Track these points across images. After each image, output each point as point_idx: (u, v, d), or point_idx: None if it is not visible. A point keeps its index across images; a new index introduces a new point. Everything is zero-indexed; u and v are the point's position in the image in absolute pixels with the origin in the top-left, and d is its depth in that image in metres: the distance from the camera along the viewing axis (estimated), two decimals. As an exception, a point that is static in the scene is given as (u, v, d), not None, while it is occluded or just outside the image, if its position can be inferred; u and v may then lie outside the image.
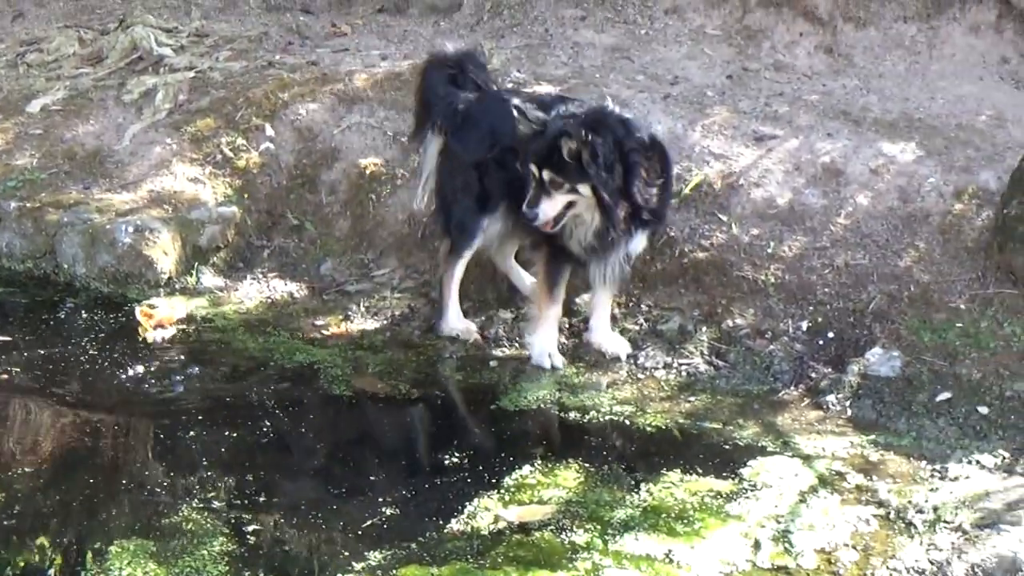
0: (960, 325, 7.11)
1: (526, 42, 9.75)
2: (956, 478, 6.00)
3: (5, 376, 6.86)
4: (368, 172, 8.43)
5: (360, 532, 5.45)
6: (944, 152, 8.29)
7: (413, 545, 5.33)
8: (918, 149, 8.29)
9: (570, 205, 6.75)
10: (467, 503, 5.67)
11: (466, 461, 6.10)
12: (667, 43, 9.81)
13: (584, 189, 6.70)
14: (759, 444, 6.38)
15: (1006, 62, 9.77)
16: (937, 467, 6.13)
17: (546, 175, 6.69)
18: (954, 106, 9.13)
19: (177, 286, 7.96)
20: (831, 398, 6.83)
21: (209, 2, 10.83)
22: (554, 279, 7.10)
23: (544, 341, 7.14)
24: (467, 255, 7.38)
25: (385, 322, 7.62)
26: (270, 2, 10.78)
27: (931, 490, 5.88)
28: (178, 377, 6.94)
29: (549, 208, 6.70)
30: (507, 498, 5.73)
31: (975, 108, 9.11)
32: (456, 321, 7.42)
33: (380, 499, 5.72)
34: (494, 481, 5.88)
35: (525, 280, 7.61)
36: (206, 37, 10.04)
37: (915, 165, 8.12)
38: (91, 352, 7.17)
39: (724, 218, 7.83)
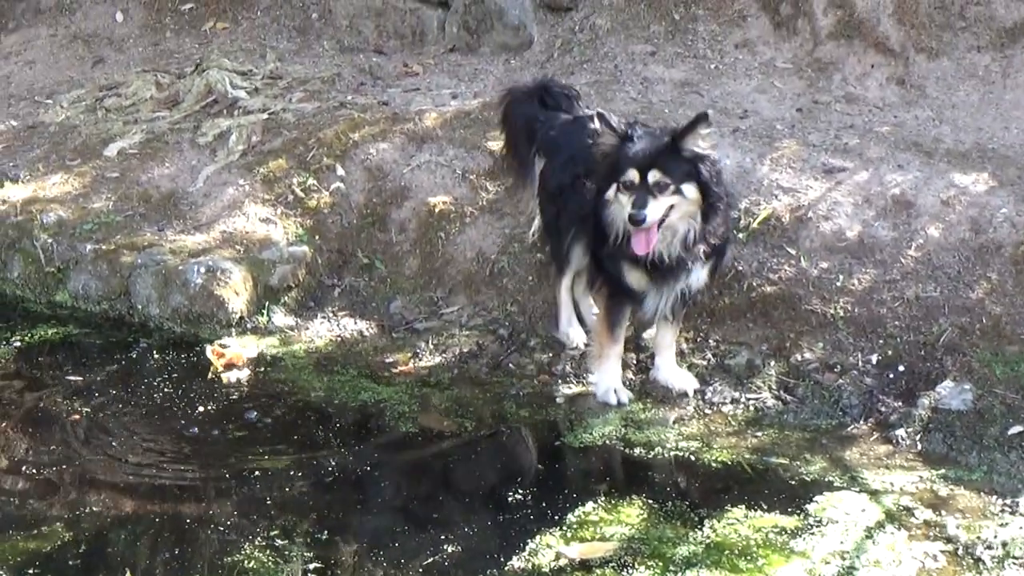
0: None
1: (596, 78, 9.77)
2: (1027, 512, 5.93)
3: (77, 417, 6.96)
4: (437, 210, 8.47)
5: (421, 570, 5.47)
6: (1017, 182, 8.18)
7: (473, 582, 5.35)
8: (991, 180, 8.19)
9: (669, 210, 6.64)
10: (529, 540, 5.68)
11: (529, 498, 6.11)
12: (737, 77, 9.78)
13: (690, 190, 6.63)
14: (826, 479, 6.32)
15: (1084, 90, 9.65)
16: (1008, 502, 6.05)
17: (652, 176, 6.54)
18: (1029, 136, 9.03)
19: (248, 326, 8.03)
20: (900, 432, 6.76)
21: (284, 45, 10.94)
22: (615, 317, 7.07)
23: (608, 378, 7.11)
24: (569, 273, 7.55)
25: (453, 359, 7.64)
26: (344, 44, 10.86)
27: (1001, 525, 5.81)
28: (246, 417, 6.98)
29: (656, 210, 6.54)
30: (569, 535, 5.73)
31: (1051, 138, 9.00)
32: (565, 326, 7.65)
33: (442, 536, 5.74)
34: (557, 518, 5.88)
35: (590, 315, 7.63)
36: (280, 79, 10.15)
37: (987, 196, 8.02)
38: (163, 391, 7.26)
39: (793, 251, 7.78)
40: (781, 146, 8.66)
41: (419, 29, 10.86)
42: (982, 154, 8.64)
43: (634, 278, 6.93)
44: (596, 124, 6.74)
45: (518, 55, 10.41)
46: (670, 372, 7.26)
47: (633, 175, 6.56)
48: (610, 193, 6.69)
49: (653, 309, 7.04)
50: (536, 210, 7.73)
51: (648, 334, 7.56)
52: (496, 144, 8.65)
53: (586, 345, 7.51)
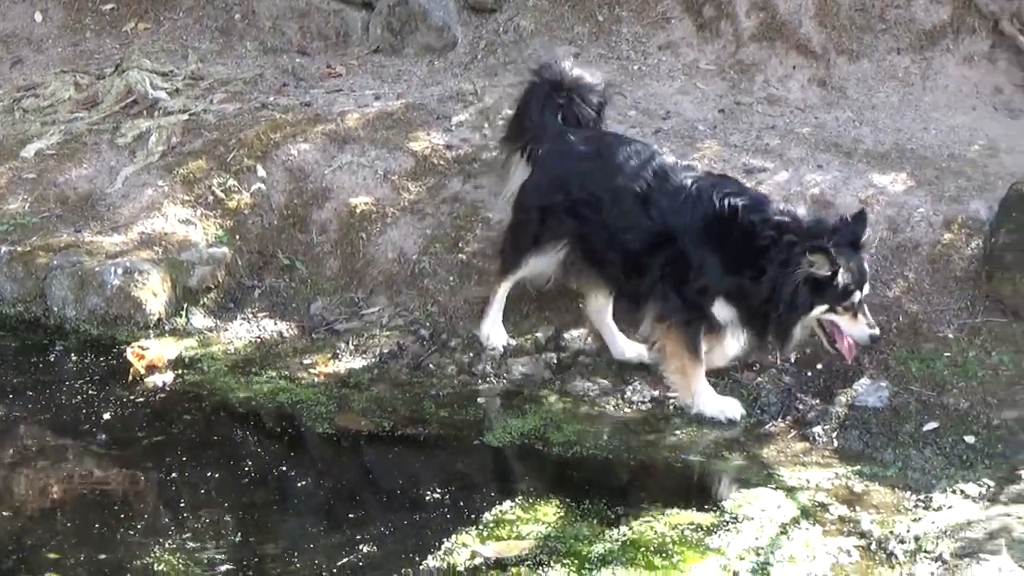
0: (948, 355, 7.11)
1: (519, 79, 9.68)
2: (940, 508, 5.98)
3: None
4: (358, 211, 8.43)
5: (336, 570, 5.43)
6: (935, 182, 8.27)
7: (388, 582, 5.32)
8: (909, 180, 8.27)
9: None
10: (445, 539, 5.65)
11: (447, 497, 6.09)
12: (660, 78, 9.80)
13: None
14: (743, 476, 6.36)
15: (1000, 92, 9.74)
16: (921, 497, 6.10)
17: (866, 290, 6.77)
18: (947, 136, 9.11)
19: (167, 327, 7.93)
20: (818, 429, 6.80)
21: (206, 46, 10.83)
22: (695, 341, 6.95)
23: (710, 398, 6.98)
24: (511, 279, 7.53)
25: (373, 360, 7.59)
26: (267, 45, 10.78)
27: (914, 520, 5.85)
28: (161, 419, 6.90)
29: None
30: (485, 534, 5.71)
31: (968, 138, 9.08)
32: (488, 328, 7.57)
33: (358, 536, 5.70)
34: (474, 517, 5.86)
35: (619, 343, 7.47)
36: (201, 80, 10.06)
37: (905, 196, 8.10)
38: (81, 394, 7.17)
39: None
40: (703, 147, 8.71)
41: (343, 30, 10.79)
42: (901, 154, 8.72)
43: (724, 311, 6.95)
44: (817, 259, 6.52)
45: (442, 56, 10.37)
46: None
47: (858, 297, 6.65)
48: (816, 311, 6.67)
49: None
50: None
51: (568, 334, 7.57)
52: (418, 145, 8.66)
53: (505, 347, 7.57)
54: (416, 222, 8.32)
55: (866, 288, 6.67)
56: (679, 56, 10.04)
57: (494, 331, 7.57)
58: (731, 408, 6.94)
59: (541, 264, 7.36)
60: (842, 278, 6.52)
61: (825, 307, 6.61)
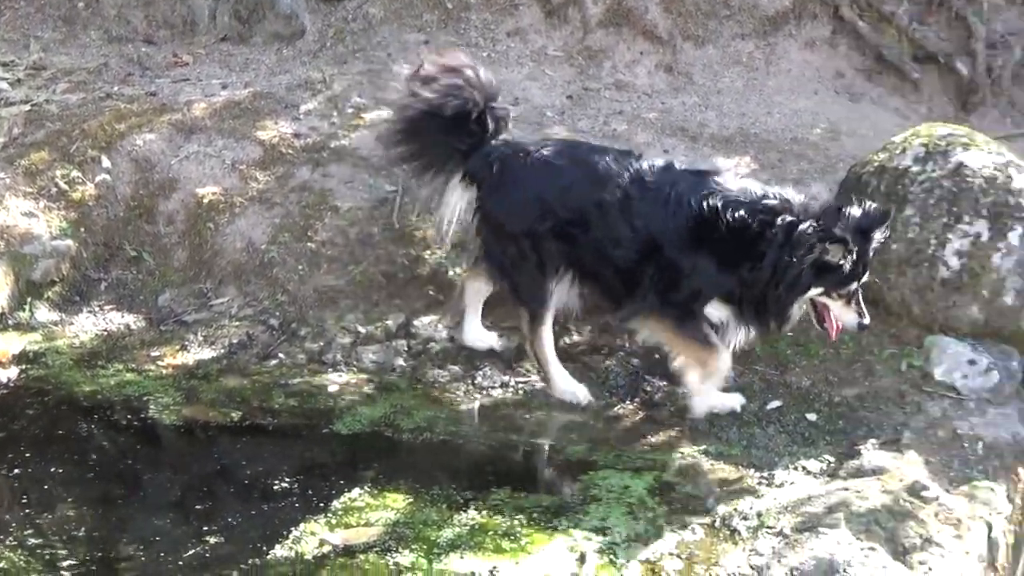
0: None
1: (368, 67, 9.74)
2: (782, 484, 6.08)
3: None
4: (206, 201, 8.35)
5: (182, 562, 5.37)
6: (778, 165, 8.43)
7: (235, 573, 5.27)
8: (753, 163, 8.42)
9: None
10: (293, 528, 5.61)
11: (296, 486, 6.04)
12: (509, 65, 9.86)
13: None
14: (591, 458, 6.39)
15: (841, 76, 9.96)
16: (765, 474, 6.19)
17: (864, 281, 6.63)
18: (790, 120, 9.30)
19: (10, 322, 7.77)
20: (665, 410, 6.88)
21: (49, 35, 10.66)
22: (706, 335, 6.74)
23: (714, 397, 6.83)
24: (548, 319, 7.00)
25: (222, 351, 7.52)
26: (112, 34, 10.64)
27: (757, 497, 5.94)
28: (4, 415, 6.76)
29: None
30: (334, 521, 5.68)
31: (810, 121, 9.28)
32: (565, 384, 7.02)
33: (205, 528, 5.64)
34: (322, 505, 5.82)
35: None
36: (44, 70, 9.91)
37: (749, 178, 8.20)
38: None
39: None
40: (551, 133, 8.78)
41: (190, 19, 10.70)
42: (745, 138, 8.87)
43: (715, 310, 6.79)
44: (835, 248, 6.37)
45: (290, 44, 10.33)
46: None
47: (854, 287, 6.55)
48: (813, 292, 6.53)
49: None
50: (454, 231, 7.39)
51: (419, 321, 7.58)
52: (266, 135, 8.61)
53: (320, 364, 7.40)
54: (264, 211, 8.27)
55: (865, 278, 6.58)
56: (528, 43, 10.11)
57: (571, 385, 7.02)
58: (734, 400, 6.85)
59: (561, 293, 7.00)
60: (847, 267, 6.43)
61: (821, 290, 6.52)
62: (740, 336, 6.82)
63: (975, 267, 7.00)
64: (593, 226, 6.74)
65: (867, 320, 6.60)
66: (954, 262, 7.03)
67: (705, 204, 6.52)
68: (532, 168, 6.89)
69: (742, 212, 6.47)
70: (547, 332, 7.00)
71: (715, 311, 6.74)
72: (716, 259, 6.58)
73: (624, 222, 6.68)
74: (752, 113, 9.35)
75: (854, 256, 6.38)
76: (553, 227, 6.81)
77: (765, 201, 6.51)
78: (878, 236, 6.51)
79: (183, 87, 9.55)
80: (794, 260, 6.37)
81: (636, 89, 9.65)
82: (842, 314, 6.59)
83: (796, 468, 6.23)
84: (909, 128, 7.77)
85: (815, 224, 6.35)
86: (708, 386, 6.77)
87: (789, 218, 6.41)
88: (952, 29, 10.27)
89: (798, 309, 6.67)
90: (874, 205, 6.60)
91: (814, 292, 6.53)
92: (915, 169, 7.21)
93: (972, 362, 6.84)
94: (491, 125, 7.02)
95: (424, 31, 10.20)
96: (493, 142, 7.01)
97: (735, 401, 6.85)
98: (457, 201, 7.13)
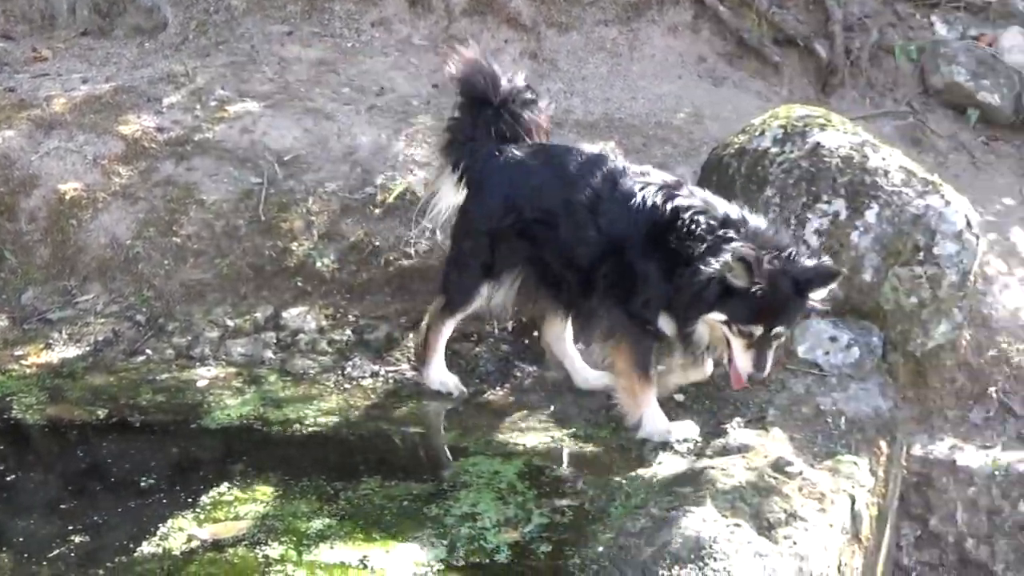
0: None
1: (232, 59, 9.65)
2: (650, 464, 6.14)
3: None
4: (68, 198, 8.22)
5: (46, 562, 5.29)
6: (643, 149, 8.51)
7: (101, 572, 5.19)
8: (617, 148, 8.43)
9: None
10: (160, 524, 5.53)
11: (163, 483, 5.98)
12: (374, 54, 9.83)
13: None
14: (461, 445, 6.42)
15: (703, 60, 10.07)
16: (634, 455, 6.26)
17: (776, 331, 6.12)
18: (654, 105, 9.38)
19: None
20: (534, 396, 6.92)
21: (-99, 32, 10.45)
22: (647, 358, 6.46)
23: (658, 421, 6.45)
24: (459, 316, 6.96)
25: (88, 348, 7.43)
26: (-33, 31, 10.44)
27: (626, 478, 5.99)
28: None
29: (769, 363, 6.20)
30: (202, 516, 5.63)
31: (674, 106, 9.37)
32: (439, 375, 7.00)
33: (70, 527, 5.54)
34: (190, 501, 5.77)
35: (581, 372, 7.05)
36: (-101, 68, 9.69)
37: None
38: None
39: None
40: (416, 122, 8.77)
41: (49, 13, 10.53)
42: (610, 123, 8.94)
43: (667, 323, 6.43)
44: (737, 267, 5.94)
45: (152, 37, 10.20)
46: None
47: (757, 331, 6.06)
48: (713, 317, 6.12)
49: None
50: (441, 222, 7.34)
51: (288, 313, 7.54)
52: (128, 129, 8.51)
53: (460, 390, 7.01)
54: (128, 207, 8.16)
55: (778, 330, 6.08)
56: (392, 32, 10.09)
57: (445, 376, 7.00)
58: (684, 430, 6.44)
59: (499, 296, 6.87)
60: (753, 301, 5.94)
61: (723, 318, 6.09)
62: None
63: (834, 245, 7.12)
64: (560, 227, 6.58)
65: (761, 373, 6.15)
66: (814, 241, 7.14)
67: (669, 206, 6.30)
68: (505, 167, 6.78)
69: (702, 218, 6.21)
70: (450, 326, 6.96)
71: (667, 324, 6.41)
72: (664, 264, 6.31)
73: (591, 223, 6.50)
74: (617, 98, 9.42)
75: (766, 295, 5.91)
76: (515, 225, 6.69)
77: (728, 213, 6.26)
78: (813, 295, 6.11)
79: (43, 82, 9.38)
80: (704, 270, 6.03)
81: (501, 77, 9.65)
82: (737, 356, 6.12)
83: (664, 448, 6.29)
84: (770, 110, 7.88)
85: (742, 243, 6.04)
86: (652, 409, 6.47)
87: (728, 232, 6.16)
88: (810, 12, 10.42)
89: (705, 330, 6.24)
90: (826, 261, 6.24)
91: (714, 316, 6.10)
92: (774, 150, 7.32)
93: (833, 339, 6.96)
94: (500, 127, 6.93)
95: (288, 22, 10.13)
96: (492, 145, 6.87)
97: (689, 432, 6.48)
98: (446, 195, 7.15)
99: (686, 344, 6.35)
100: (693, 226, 6.19)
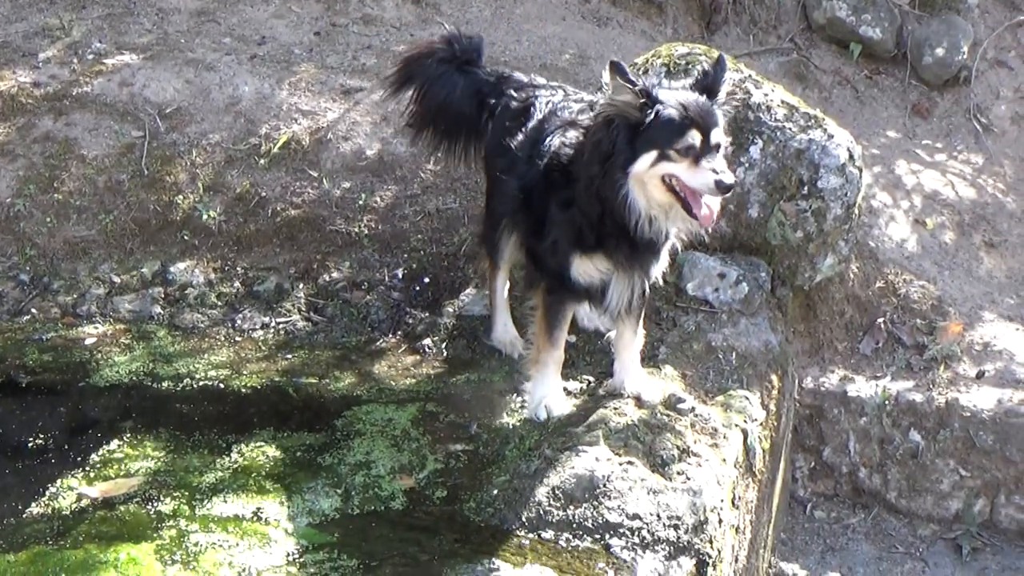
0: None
1: (109, 11, 9.46)
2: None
3: None
4: (-52, 156, 8.05)
5: (-68, 525, 5.22)
6: (522, 92, 8.44)
7: (-11, 534, 5.14)
8: (503, 91, 8.42)
9: None
10: (49, 485, 5.47)
11: (51, 442, 5.91)
12: (255, 3, 9.66)
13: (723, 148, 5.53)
14: (355, 394, 6.38)
15: (587, 1, 10.05)
16: (524, 399, 6.24)
17: (715, 137, 5.40)
18: (539, 47, 9.33)
19: None
20: (427, 342, 6.90)
21: None
22: (556, 318, 5.91)
23: (543, 387, 5.97)
24: (504, 268, 6.65)
25: (-31, 310, 7.30)
26: None
27: (520, 421, 6.00)
28: None
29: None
30: (92, 475, 5.57)
31: (559, 48, 9.33)
32: (502, 333, 6.72)
33: (-45, 491, 5.49)
34: (79, 459, 5.70)
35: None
36: None
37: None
38: None
39: (315, 174, 7.81)
40: (299, 70, 8.66)
41: (-82, -32, 10.22)
42: (494, 67, 8.84)
43: (591, 269, 5.80)
44: (606, 79, 5.48)
45: (16, -9, 9.95)
46: (636, 378, 6.10)
47: (695, 137, 5.34)
48: (643, 163, 5.37)
49: (616, 302, 5.89)
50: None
51: (175, 268, 7.44)
52: (3, 85, 8.32)
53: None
54: (7, 164, 7.99)
55: (715, 134, 5.39)
56: (273, -20, 9.95)
57: (509, 336, 6.73)
58: (560, 407, 5.97)
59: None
60: (664, 111, 5.32)
61: (654, 153, 5.35)
62: (630, 296, 5.91)
63: (720, 182, 7.13)
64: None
65: (729, 178, 5.36)
66: (700, 179, 7.15)
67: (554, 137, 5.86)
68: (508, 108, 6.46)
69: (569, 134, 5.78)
70: (502, 279, 6.68)
71: (586, 268, 5.80)
72: (558, 194, 5.79)
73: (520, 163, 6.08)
74: (501, 41, 9.36)
75: (670, 102, 5.35)
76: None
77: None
78: (719, 91, 5.56)
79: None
80: (595, 138, 5.48)
81: (384, 23, 9.56)
82: (692, 179, 5.34)
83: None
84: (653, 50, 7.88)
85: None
86: (546, 372, 5.99)
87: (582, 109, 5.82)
88: (693, -49, 10.44)
89: (642, 198, 5.44)
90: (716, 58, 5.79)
91: (648, 160, 5.35)
92: (658, 89, 7.30)
93: (722, 276, 6.99)
94: None
95: (165, -27, 9.94)
96: None
97: (657, 393, 6.06)
98: None
99: (629, 225, 5.52)
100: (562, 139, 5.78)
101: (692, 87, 5.55)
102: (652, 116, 5.32)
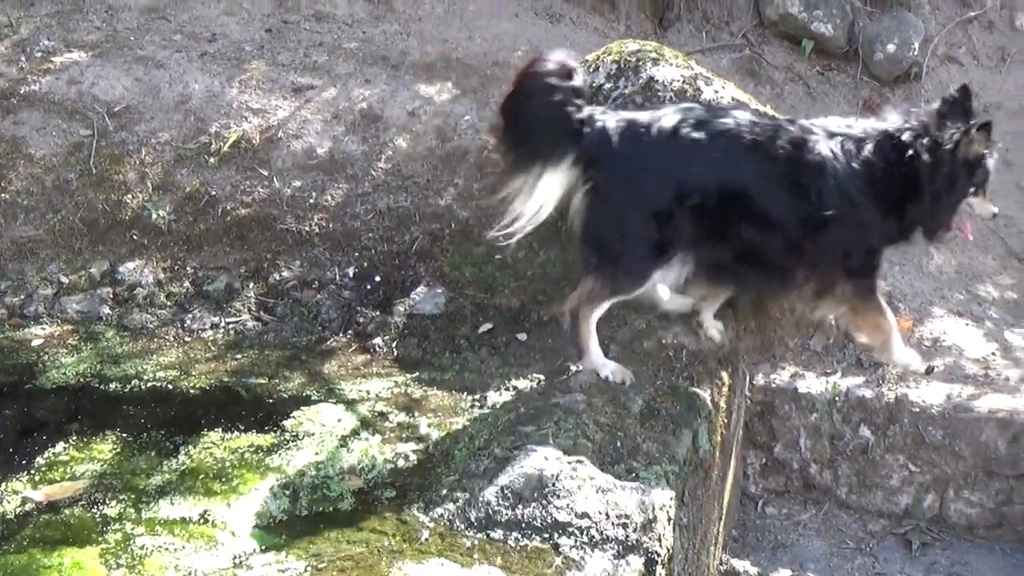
0: (499, 257, 7.26)
1: (57, 8, 9.38)
2: (494, 405, 6.13)
3: None
4: None
5: None
6: (480, 89, 8.45)
7: (-69, 539, 5.09)
8: (454, 88, 8.43)
9: None
10: (-7, 488, 5.44)
11: (-5, 446, 5.87)
12: (205, 1, 9.61)
13: None
14: (304, 394, 6.35)
15: (540, -2, 10.03)
16: (477, 396, 6.24)
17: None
18: (491, 44, 9.31)
19: None
20: (378, 341, 6.88)
21: None
22: (878, 295, 6.63)
23: (908, 354, 6.86)
24: (620, 299, 6.33)
25: (-84, 312, 7.23)
26: None
27: (470, 420, 5.98)
28: None
29: None
30: (37, 478, 5.52)
31: (512, 44, 9.31)
32: (600, 360, 6.27)
33: None
34: (24, 463, 5.65)
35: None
36: None
37: (451, 104, 8.25)
38: None
39: (265, 172, 7.77)
40: (250, 68, 8.62)
41: None
42: (447, 64, 8.85)
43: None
44: (980, 136, 6.18)
45: (-36, -11, 9.86)
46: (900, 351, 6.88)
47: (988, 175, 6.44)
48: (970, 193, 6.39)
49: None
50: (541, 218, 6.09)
51: (124, 267, 7.39)
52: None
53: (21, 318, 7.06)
54: (-34, 153, 7.94)
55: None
56: (224, -23, 9.89)
57: (606, 361, 6.30)
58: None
59: (670, 276, 6.26)
60: (990, 161, 6.35)
61: (974, 188, 6.40)
62: None
63: (671, 179, 7.13)
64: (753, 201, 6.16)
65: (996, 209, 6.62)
66: (650, 176, 7.15)
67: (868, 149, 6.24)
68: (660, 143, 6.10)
69: (902, 138, 6.27)
70: (603, 309, 6.31)
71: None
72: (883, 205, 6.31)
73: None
74: (454, 39, 9.34)
75: (989, 156, 6.35)
76: (695, 206, 6.07)
77: (892, 131, 6.31)
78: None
79: None
80: (948, 167, 6.22)
81: (336, 19, 9.52)
82: (980, 208, 6.54)
83: (508, 388, 6.28)
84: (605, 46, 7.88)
85: (955, 127, 6.21)
86: (899, 342, 6.73)
87: (925, 138, 6.24)
88: (646, -53, 10.43)
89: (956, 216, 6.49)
90: (952, 90, 6.50)
91: (970, 191, 6.42)
92: (608, 86, 7.30)
93: (673, 273, 6.97)
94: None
95: (114, -30, 9.86)
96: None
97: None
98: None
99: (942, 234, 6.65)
100: (908, 148, 6.24)
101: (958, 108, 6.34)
102: (986, 162, 6.29)
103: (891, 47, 9.82)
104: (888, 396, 7.02)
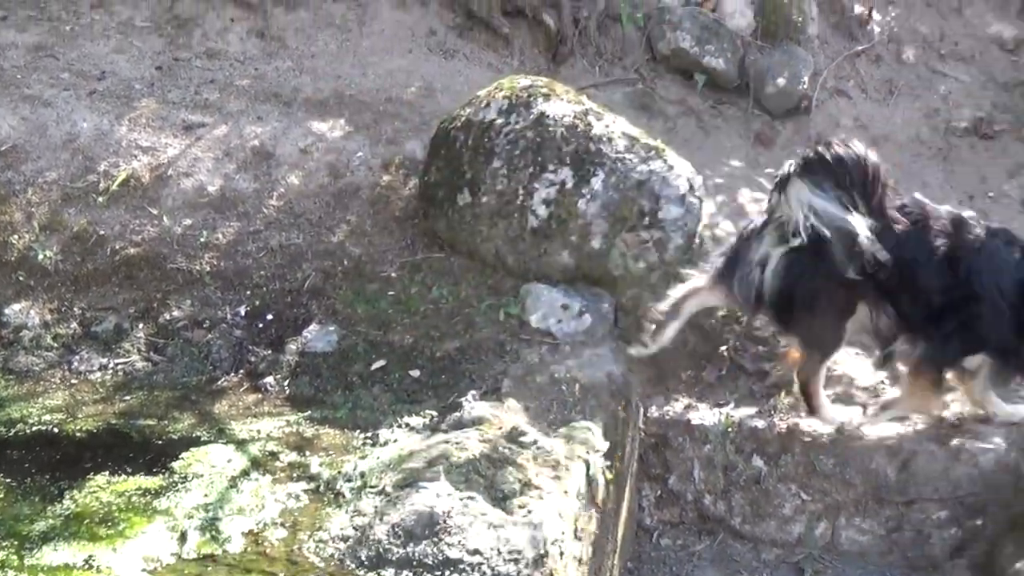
0: (392, 293, 7.27)
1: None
2: (386, 443, 6.08)
3: None
4: None
5: None
6: (373, 126, 8.45)
7: None
8: (347, 125, 8.42)
9: None
10: None
11: None
12: (94, 38, 9.52)
13: None
14: (194, 435, 6.27)
15: (434, 34, 10.02)
16: (369, 434, 6.19)
17: None
18: (385, 80, 9.32)
19: None
20: (269, 380, 6.82)
21: None
22: None
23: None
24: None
25: None
26: None
27: (361, 458, 5.92)
28: None
29: None
30: (-85, 529, 5.41)
31: (405, 81, 9.32)
32: (833, 412, 7.15)
33: None
34: (-99, 514, 5.53)
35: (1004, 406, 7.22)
36: None
37: (344, 141, 8.24)
38: None
39: (155, 211, 7.69)
40: (140, 105, 8.55)
41: None
42: (340, 100, 8.84)
43: None
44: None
45: None
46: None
47: None
48: None
49: None
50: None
51: (10, 309, 7.27)
52: None
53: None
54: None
55: None
56: (113, 14, 9.80)
57: (836, 409, 7.21)
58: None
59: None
60: None
61: None
62: None
63: (562, 214, 7.19)
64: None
65: None
66: (542, 211, 7.19)
67: None
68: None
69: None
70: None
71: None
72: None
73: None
74: (347, 75, 9.33)
75: None
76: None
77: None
78: None
79: None
80: None
81: (228, 57, 9.47)
82: None
83: (400, 425, 6.25)
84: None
85: None
86: None
87: None
88: (538, -18, 10.47)
89: None
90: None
91: None
92: (500, 121, 7.33)
93: (565, 307, 7.01)
94: None
95: (3, 7, 9.74)
96: None
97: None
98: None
99: None
100: None
101: None
102: None
103: (781, 81, 9.93)
104: (780, 426, 7.07)
